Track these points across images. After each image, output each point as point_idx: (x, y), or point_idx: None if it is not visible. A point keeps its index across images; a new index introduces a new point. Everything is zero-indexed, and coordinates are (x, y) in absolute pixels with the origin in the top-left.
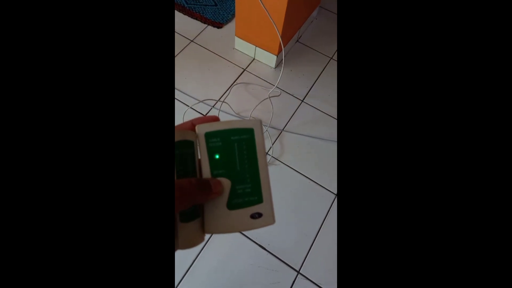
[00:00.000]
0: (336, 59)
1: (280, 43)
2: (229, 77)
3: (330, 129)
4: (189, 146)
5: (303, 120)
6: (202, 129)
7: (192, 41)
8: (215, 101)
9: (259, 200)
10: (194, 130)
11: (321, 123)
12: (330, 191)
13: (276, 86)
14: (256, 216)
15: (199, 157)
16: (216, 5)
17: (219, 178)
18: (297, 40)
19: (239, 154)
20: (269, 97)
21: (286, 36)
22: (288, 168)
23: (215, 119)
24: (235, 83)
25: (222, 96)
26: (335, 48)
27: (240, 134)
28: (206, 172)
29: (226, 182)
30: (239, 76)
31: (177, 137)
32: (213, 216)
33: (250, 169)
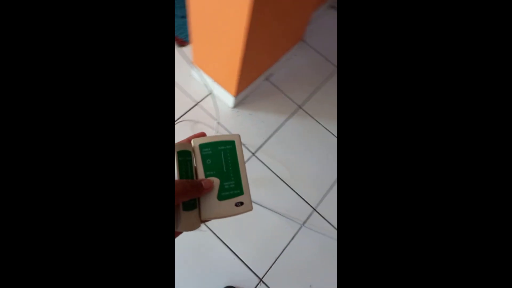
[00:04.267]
0: (305, 110)
1: (236, 85)
2: (176, 110)
3: (274, 196)
4: (188, 154)
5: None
6: (196, 142)
7: None
8: None
9: (241, 193)
10: (190, 143)
11: (266, 186)
12: (256, 275)
13: (228, 133)
14: (239, 204)
15: (195, 162)
16: (184, 17)
17: (210, 178)
18: (267, 78)
19: (224, 159)
20: None
21: (249, 76)
22: (216, 239)
23: (203, 134)
24: (181, 118)
25: None
26: (306, 95)
27: (225, 145)
28: (201, 173)
29: (216, 181)
30: (189, 110)
31: (180, 148)
32: (207, 206)
33: (233, 170)
